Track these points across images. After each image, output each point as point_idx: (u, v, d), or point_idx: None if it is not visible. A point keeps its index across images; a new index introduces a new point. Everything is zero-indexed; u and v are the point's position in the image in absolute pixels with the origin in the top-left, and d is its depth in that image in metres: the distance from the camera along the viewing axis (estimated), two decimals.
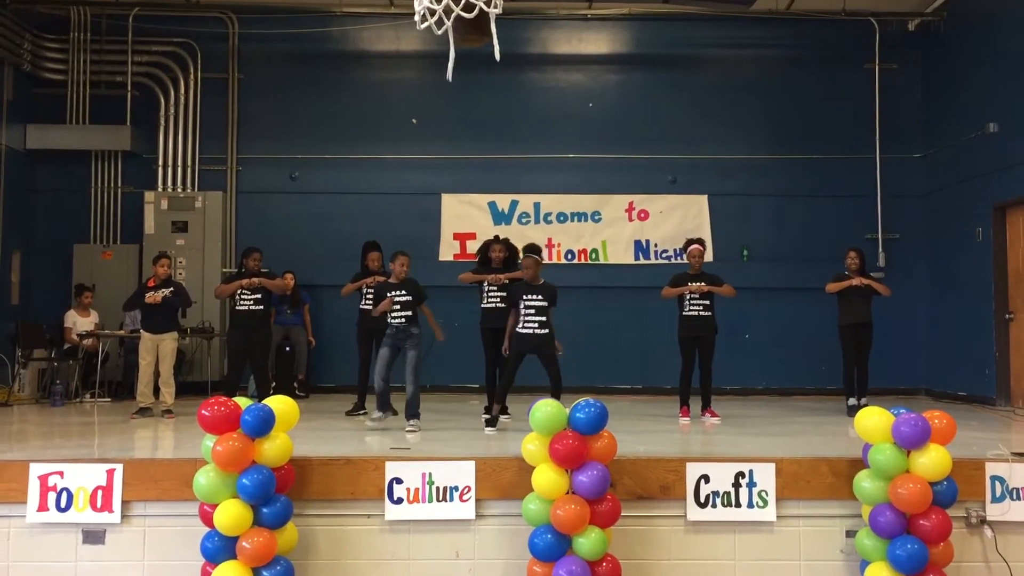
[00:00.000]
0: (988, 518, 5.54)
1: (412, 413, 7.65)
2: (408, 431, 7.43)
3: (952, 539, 5.21)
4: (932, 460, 5.10)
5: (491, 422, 7.78)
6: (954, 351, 11.33)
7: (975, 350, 10.77)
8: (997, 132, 10.41)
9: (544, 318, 7.70)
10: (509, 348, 7.86)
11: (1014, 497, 5.54)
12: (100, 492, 5.46)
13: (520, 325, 7.77)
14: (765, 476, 5.58)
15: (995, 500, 5.55)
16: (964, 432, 6.22)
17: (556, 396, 7.21)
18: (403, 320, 7.71)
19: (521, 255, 8.16)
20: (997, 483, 5.56)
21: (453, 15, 4.88)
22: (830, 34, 12.25)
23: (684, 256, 9.10)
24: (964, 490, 5.37)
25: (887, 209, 12.20)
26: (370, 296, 8.96)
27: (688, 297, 8.67)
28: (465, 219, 12.28)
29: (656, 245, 12.24)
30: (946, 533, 5.14)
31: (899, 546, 5.10)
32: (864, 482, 5.30)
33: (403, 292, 7.75)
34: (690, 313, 8.68)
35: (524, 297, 7.77)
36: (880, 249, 12.06)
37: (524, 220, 12.27)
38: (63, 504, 5.46)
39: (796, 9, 11.94)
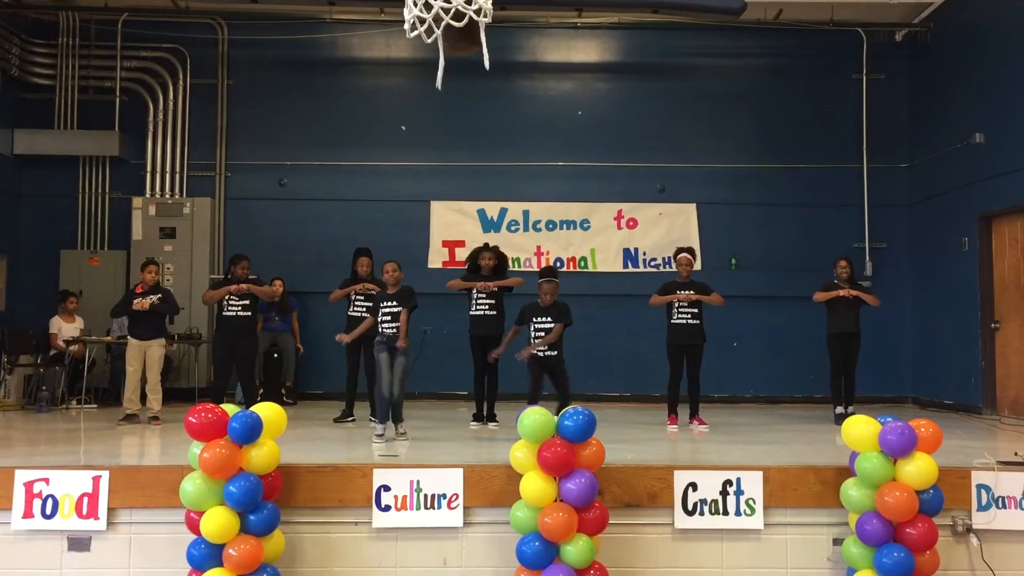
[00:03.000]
0: (974, 526, 5.56)
1: (398, 416, 7.58)
2: (401, 438, 7.37)
3: (938, 547, 5.22)
4: (918, 468, 5.12)
5: (476, 418, 7.99)
6: (940, 360, 11.39)
7: (961, 359, 10.82)
8: (983, 142, 10.48)
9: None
10: (529, 368, 7.88)
11: (1000, 506, 5.57)
12: (86, 499, 5.43)
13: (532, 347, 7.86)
14: (753, 484, 5.59)
15: (981, 508, 5.57)
16: (950, 441, 6.25)
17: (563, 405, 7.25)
18: (394, 330, 7.66)
19: (539, 278, 8.13)
20: (983, 492, 5.58)
21: (443, 24, 4.89)
22: (818, 44, 12.33)
23: (673, 264, 9.13)
24: (950, 498, 5.39)
25: (874, 218, 12.26)
26: (359, 303, 8.94)
27: (677, 305, 8.70)
28: (454, 226, 12.28)
29: (645, 253, 12.26)
30: (932, 541, 5.16)
31: (885, 554, 5.12)
32: (851, 490, 5.32)
33: (394, 303, 7.70)
34: (679, 321, 8.70)
35: (534, 320, 7.84)
36: (867, 258, 12.13)
37: (513, 228, 12.28)
38: (48, 511, 5.42)
39: (784, 19, 12.03)
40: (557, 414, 5.36)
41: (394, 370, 7.56)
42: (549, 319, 7.84)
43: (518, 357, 7.92)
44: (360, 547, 5.55)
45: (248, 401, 8.50)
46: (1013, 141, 9.93)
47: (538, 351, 7.80)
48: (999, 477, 5.60)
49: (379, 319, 7.68)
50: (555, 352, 7.84)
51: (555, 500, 5.14)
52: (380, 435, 7.45)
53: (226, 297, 8.73)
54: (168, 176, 12.22)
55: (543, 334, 7.80)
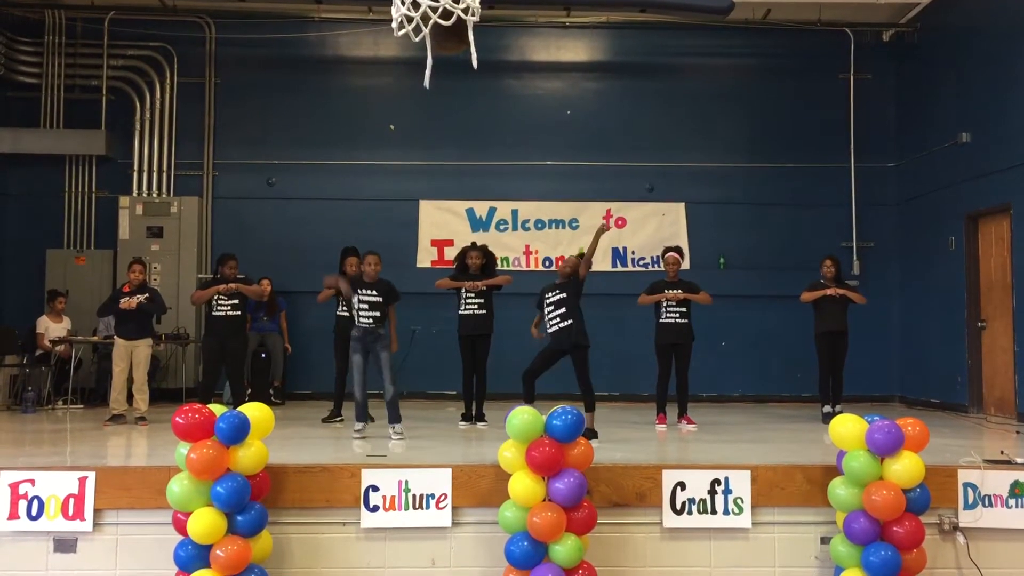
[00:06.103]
0: (960, 525, 5.59)
1: (395, 417, 7.49)
2: (395, 439, 7.30)
3: (925, 546, 5.25)
4: (905, 467, 5.14)
5: (465, 418, 8.12)
6: (927, 359, 11.43)
7: (948, 358, 10.87)
8: (970, 142, 10.52)
9: (564, 310, 7.72)
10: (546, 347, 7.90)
11: (986, 504, 5.60)
12: (72, 500, 5.40)
13: (547, 326, 7.84)
14: (741, 483, 5.60)
15: (967, 507, 5.60)
16: (937, 439, 6.27)
17: (588, 408, 7.32)
18: (371, 321, 7.57)
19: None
20: (969, 490, 5.61)
21: (431, 22, 4.87)
22: (806, 44, 12.36)
23: (661, 263, 9.14)
24: (937, 497, 5.42)
25: (861, 217, 12.31)
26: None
27: (665, 304, 8.71)
28: (443, 226, 12.27)
29: (633, 252, 12.28)
30: (919, 540, 5.18)
31: (873, 553, 5.14)
32: (838, 489, 5.33)
33: (373, 292, 7.62)
34: (667, 320, 8.72)
35: (546, 296, 7.86)
36: (855, 257, 12.17)
37: (502, 227, 12.28)
38: (34, 512, 5.39)
39: (772, 19, 12.07)
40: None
41: (382, 370, 7.54)
42: (559, 291, 7.81)
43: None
44: (348, 548, 5.53)
45: (236, 401, 8.46)
46: (999, 140, 9.98)
47: (551, 324, 7.77)
48: (985, 476, 5.63)
49: (356, 307, 7.62)
50: (570, 321, 7.69)
51: (544, 500, 5.14)
52: (359, 430, 7.51)
53: (215, 297, 8.70)
54: (155, 175, 12.16)
55: (553, 307, 7.78)
